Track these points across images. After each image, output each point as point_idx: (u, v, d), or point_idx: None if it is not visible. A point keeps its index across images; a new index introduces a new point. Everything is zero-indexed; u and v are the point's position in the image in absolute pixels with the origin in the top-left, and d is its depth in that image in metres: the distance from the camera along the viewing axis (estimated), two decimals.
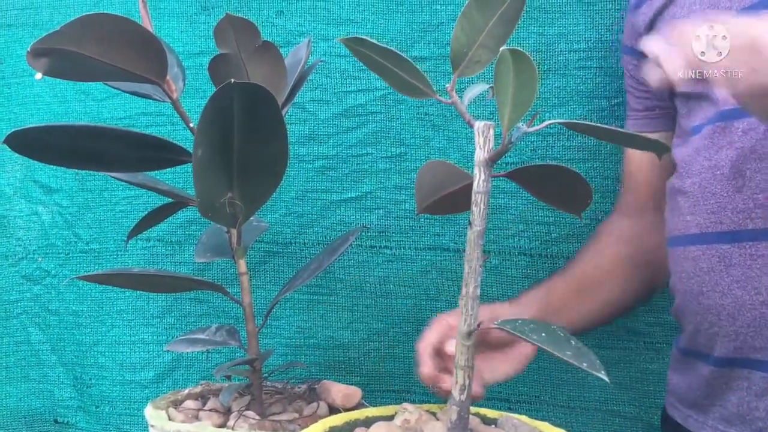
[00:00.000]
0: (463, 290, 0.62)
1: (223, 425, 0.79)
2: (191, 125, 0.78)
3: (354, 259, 1.08)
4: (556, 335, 0.61)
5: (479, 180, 0.61)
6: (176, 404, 0.84)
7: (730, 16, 0.75)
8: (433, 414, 0.72)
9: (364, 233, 1.07)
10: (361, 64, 0.64)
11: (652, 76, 0.61)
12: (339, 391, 0.84)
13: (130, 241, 0.90)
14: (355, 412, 0.74)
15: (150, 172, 0.86)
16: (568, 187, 0.65)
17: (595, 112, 1.03)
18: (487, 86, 0.63)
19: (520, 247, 1.05)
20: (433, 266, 1.07)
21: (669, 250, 0.85)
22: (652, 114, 0.92)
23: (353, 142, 1.07)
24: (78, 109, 1.13)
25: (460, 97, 0.64)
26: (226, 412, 0.82)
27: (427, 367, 0.77)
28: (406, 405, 0.71)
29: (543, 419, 0.71)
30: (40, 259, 1.15)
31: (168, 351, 1.04)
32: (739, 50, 0.56)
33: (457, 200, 0.67)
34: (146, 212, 0.87)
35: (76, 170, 1.09)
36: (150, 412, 0.80)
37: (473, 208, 0.61)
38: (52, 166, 1.09)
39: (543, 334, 0.61)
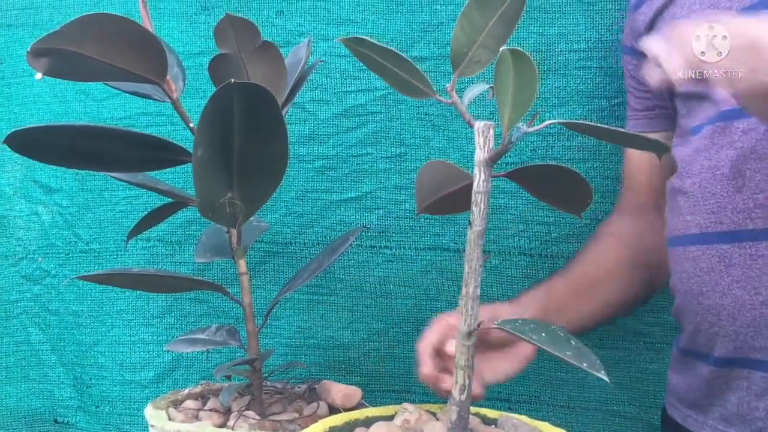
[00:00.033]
0: (463, 290, 0.62)
1: (223, 425, 0.79)
2: (191, 125, 0.78)
3: (354, 259, 1.08)
4: (556, 335, 0.61)
5: (479, 180, 0.61)
6: (176, 404, 0.84)
7: (730, 16, 0.75)
8: (433, 414, 0.72)
9: (364, 233, 1.07)
10: (361, 64, 0.64)
11: (652, 76, 0.61)
12: (339, 391, 0.83)
13: (130, 241, 0.90)
14: (355, 412, 0.74)
15: (150, 172, 0.86)
16: (568, 187, 0.65)
17: (595, 112, 1.03)
18: (487, 86, 0.63)
19: (520, 247, 1.05)
20: (433, 266, 1.07)
21: (669, 250, 0.85)
22: (652, 114, 0.92)
23: (353, 142, 1.07)
24: (78, 109, 1.12)
25: (460, 97, 0.64)
26: (226, 412, 0.82)
27: (427, 367, 0.77)
28: (406, 405, 0.71)
29: (543, 419, 0.71)
30: (40, 259, 1.15)
31: (168, 351, 1.04)
32: (739, 50, 0.56)
33: (457, 200, 0.67)
34: (146, 212, 0.87)
35: (76, 170, 1.09)
36: (150, 412, 0.80)
37: (473, 208, 0.61)
38: (52, 166, 1.09)
39: (543, 334, 0.61)
